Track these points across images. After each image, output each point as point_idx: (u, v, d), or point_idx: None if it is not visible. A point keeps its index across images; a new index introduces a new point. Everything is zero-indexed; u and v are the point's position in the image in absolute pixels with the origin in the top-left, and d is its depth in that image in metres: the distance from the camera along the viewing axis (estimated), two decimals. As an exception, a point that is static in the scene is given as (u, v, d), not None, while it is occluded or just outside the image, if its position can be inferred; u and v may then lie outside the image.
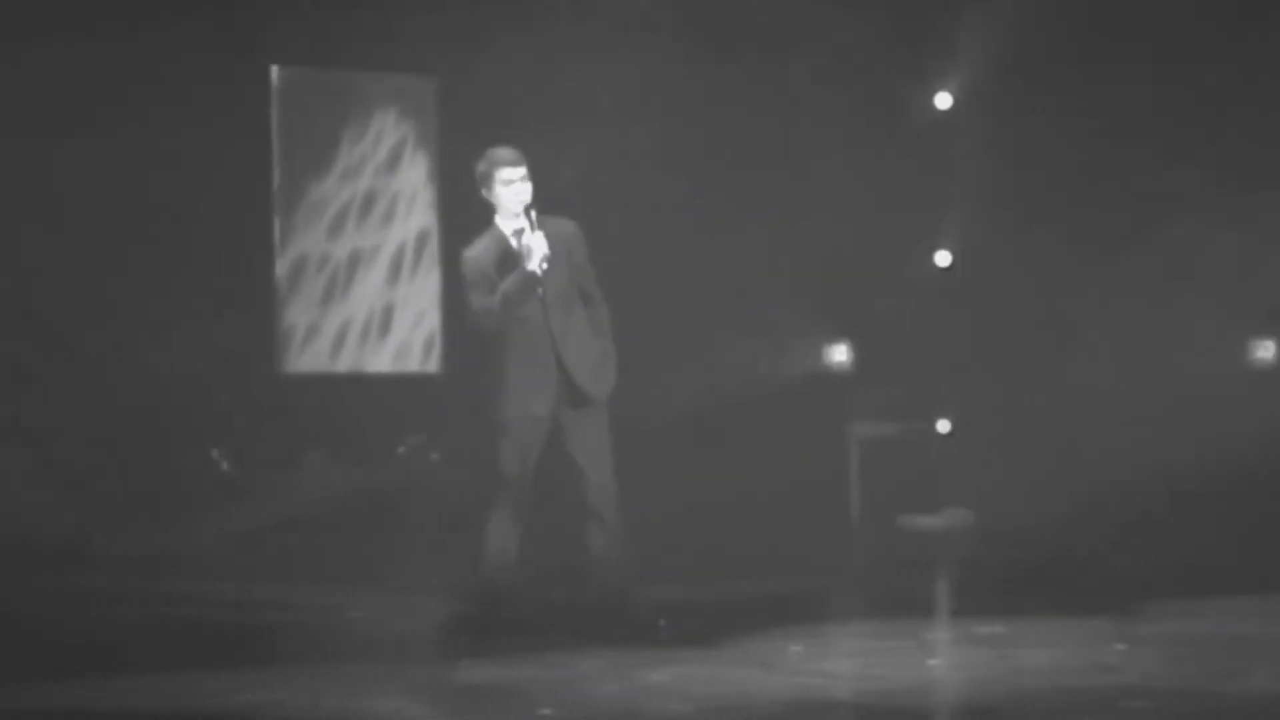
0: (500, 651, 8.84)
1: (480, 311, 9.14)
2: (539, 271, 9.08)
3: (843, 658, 8.85)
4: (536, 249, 9.09)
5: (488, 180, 9.22)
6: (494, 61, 14.65)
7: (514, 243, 9.17)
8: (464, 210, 14.69)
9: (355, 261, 15.39)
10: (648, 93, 14.44)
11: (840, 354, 15.80)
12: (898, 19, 14.94)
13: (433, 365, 15.62)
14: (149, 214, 13.89)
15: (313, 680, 8.37)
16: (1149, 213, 14.79)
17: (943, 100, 15.57)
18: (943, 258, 15.73)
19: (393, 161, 15.56)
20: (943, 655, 9.12)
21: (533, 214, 9.13)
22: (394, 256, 15.53)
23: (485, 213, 9.40)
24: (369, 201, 15.47)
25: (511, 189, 9.17)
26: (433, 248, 15.57)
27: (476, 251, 9.24)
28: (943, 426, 15.76)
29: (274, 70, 15.08)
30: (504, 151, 9.24)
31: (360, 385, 15.29)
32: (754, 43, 14.89)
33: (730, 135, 14.92)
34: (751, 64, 14.92)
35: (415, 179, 15.63)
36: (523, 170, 9.20)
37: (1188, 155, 14.58)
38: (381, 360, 15.49)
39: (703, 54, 14.66)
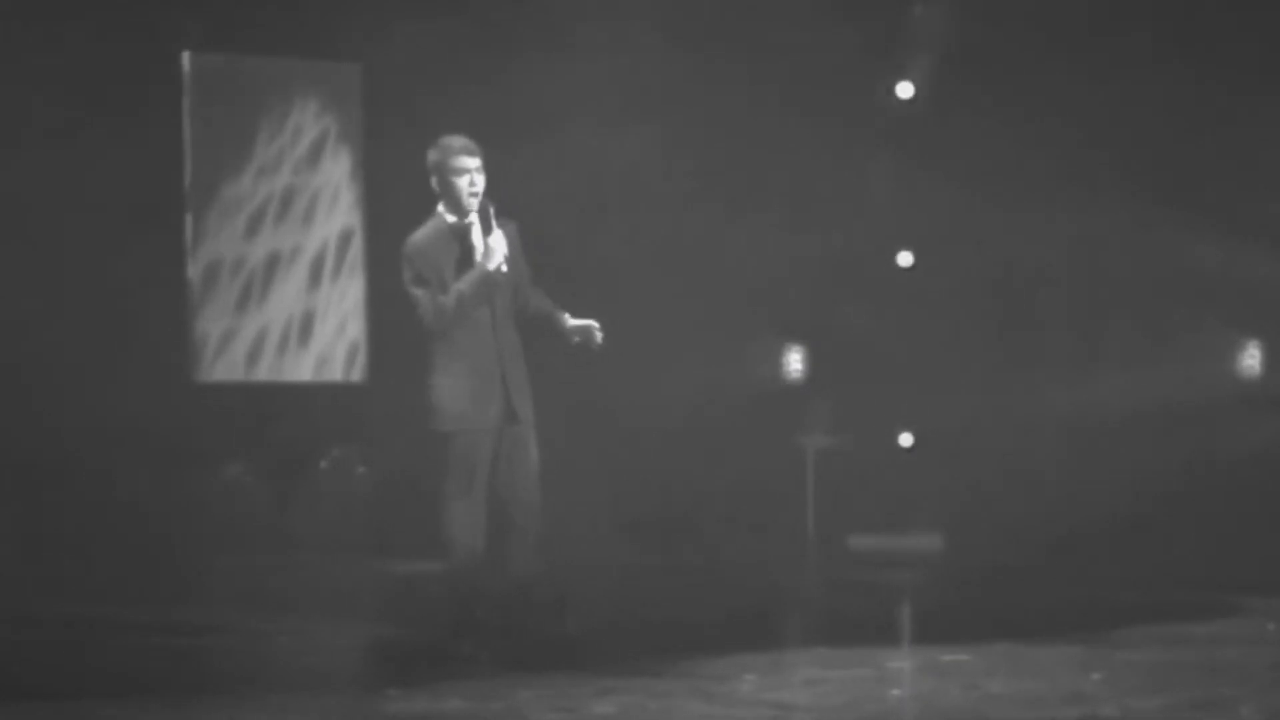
0: (436, 678, 8.85)
1: (434, 311, 9.18)
2: (500, 273, 9.16)
3: (799, 687, 8.85)
4: (498, 249, 9.16)
5: (440, 168, 9.29)
6: (423, 46, 14.61)
7: (472, 237, 9.22)
8: (391, 208, 14.85)
9: (273, 265, 15.33)
10: (595, 86, 14.45)
11: (796, 362, 15.83)
12: (856, 7, 15.01)
13: (356, 376, 15.57)
14: (51, 212, 13.81)
15: (232, 710, 8.34)
16: (1120, 213, 14.88)
17: (904, 90, 15.63)
18: (905, 258, 15.79)
19: (313, 156, 15.51)
20: (905, 685, 9.15)
21: (491, 210, 9.19)
22: (314, 259, 15.47)
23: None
24: (287, 200, 15.41)
25: (464, 179, 9.22)
26: (357, 250, 15.53)
27: (425, 243, 9.27)
28: (905, 440, 15.81)
29: (186, 56, 15.03)
30: (458, 139, 9.33)
31: (281, 395, 15.25)
32: (707, 40, 14.91)
33: (682, 134, 14.94)
34: (705, 61, 14.94)
35: (338, 175, 15.59)
36: (477, 161, 9.27)
37: (1162, 151, 14.69)
38: (301, 371, 15.44)
39: (652, 48, 14.68)
